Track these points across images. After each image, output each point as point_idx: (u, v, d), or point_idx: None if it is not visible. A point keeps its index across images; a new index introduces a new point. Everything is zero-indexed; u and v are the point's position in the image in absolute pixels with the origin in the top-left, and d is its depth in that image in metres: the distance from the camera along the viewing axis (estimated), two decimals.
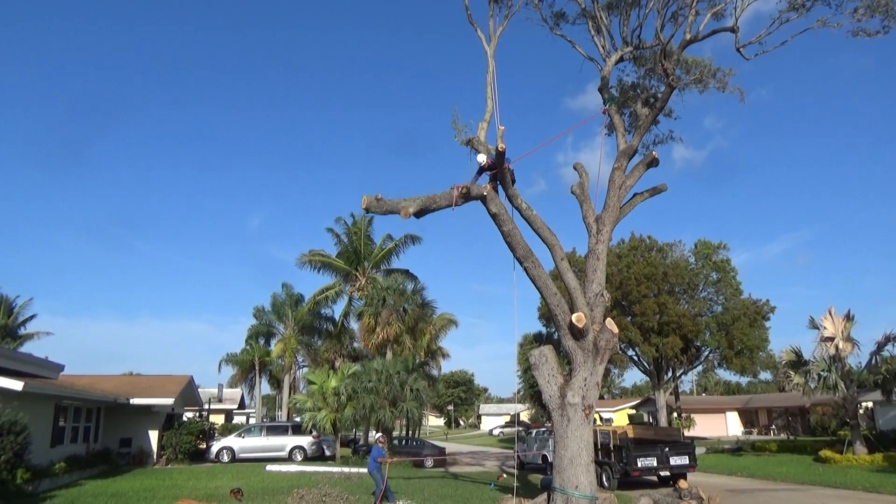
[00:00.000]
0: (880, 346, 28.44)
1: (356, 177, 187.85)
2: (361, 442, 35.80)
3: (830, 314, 28.63)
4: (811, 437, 41.32)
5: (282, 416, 46.71)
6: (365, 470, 23.64)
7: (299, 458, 29.80)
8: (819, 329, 28.86)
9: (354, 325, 40.03)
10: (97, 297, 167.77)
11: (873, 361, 28.71)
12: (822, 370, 28.11)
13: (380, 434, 18.97)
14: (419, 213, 13.56)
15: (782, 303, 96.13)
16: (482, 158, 14.27)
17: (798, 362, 29.61)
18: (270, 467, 25.11)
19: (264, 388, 53.79)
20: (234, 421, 51.47)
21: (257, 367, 47.18)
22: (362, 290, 37.71)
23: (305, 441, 30.50)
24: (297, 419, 32.33)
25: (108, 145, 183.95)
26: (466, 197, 13.83)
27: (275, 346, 45.52)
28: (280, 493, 16.69)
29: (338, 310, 41.34)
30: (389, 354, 32.46)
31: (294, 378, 48.01)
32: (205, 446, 30.33)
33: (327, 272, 39.92)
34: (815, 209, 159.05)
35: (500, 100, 15.56)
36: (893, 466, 23.63)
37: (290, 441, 30.64)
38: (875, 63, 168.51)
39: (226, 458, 29.28)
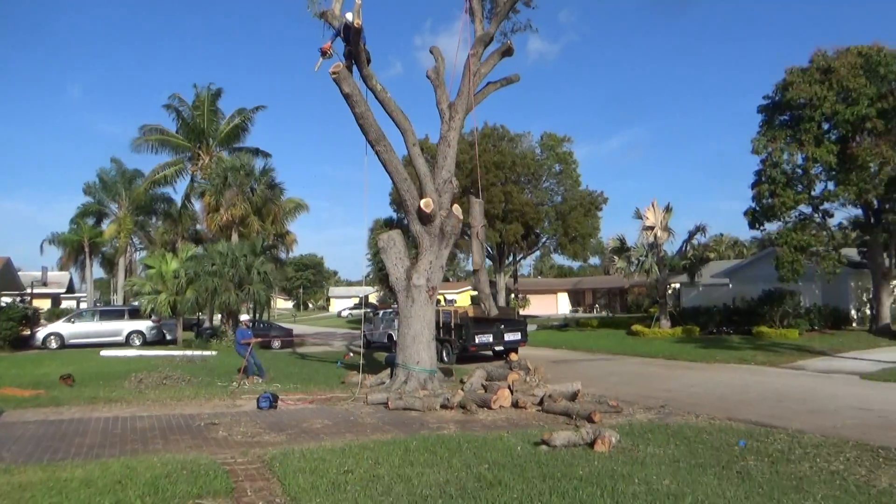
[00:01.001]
0: (691, 235, 32.15)
1: (199, 49, 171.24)
2: (206, 325, 35.09)
3: (653, 206, 31.55)
4: (627, 315, 46.53)
5: (117, 300, 44.24)
6: (208, 353, 23.47)
7: (138, 342, 28.72)
8: (642, 219, 31.81)
9: (198, 206, 37.89)
10: None
11: (684, 248, 32.45)
12: (642, 255, 31.35)
13: (245, 316, 18.88)
14: None
15: (614, 194, 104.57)
16: (357, 21, 13.45)
17: (622, 248, 32.78)
18: (105, 352, 24.01)
19: (97, 271, 50.25)
20: (63, 306, 47.96)
21: (87, 249, 43.68)
22: (206, 168, 35.49)
23: (144, 325, 29.33)
24: (135, 303, 30.83)
25: None
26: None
27: (108, 227, 42.13)
28: (116, 377, 16.10)
29: (180, 190, 38.80)
30: (235, 237, 31.38)
31: (130, 261, 45.21)
32: (29, 333, 28.24)
33: (167, 151, 36.88)
34: (647, 109, 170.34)
35: None
36: (689, 337, 27.49)
37: (126, 325, 29.29)
38: None
39: (54, 345, 27.56)
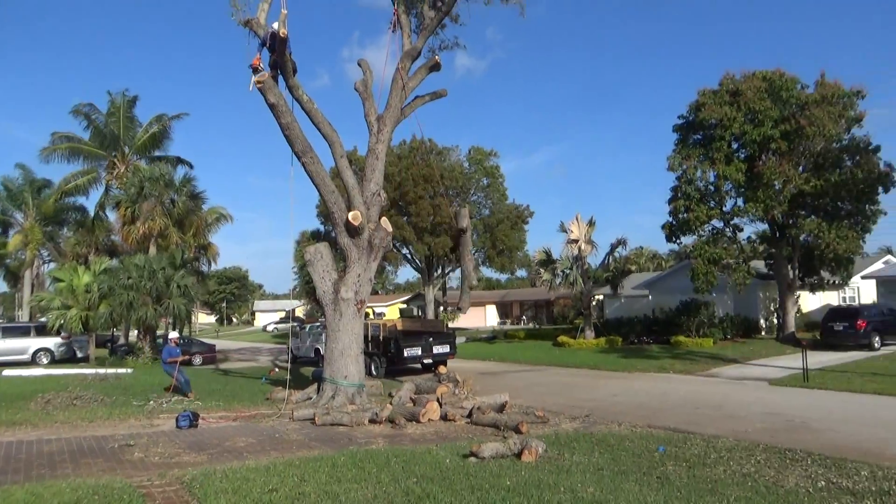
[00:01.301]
0: (613, 248, 33.20)
1: (122, 54, 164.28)
2: (121, 341, 33.43)
3: (577, 220, 32.43)
4: (553, 326, 47.50)
5: (22, 316, 41.53)
6: (123, 370, 22.38)
7: (45, 361, 27.06)
8: (567, 232, 32.64)
9: (113, 217, 36.08)
10: None
11: (606, 261, 33.49)
12: (567, 268, 32.14)
13: (174, 334, 18.14)
14: None
15: (539, 208, 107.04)
16: (283, 31, 13.27)
17: (548, 261, 33.51)
18: (8, 372, 22.48)
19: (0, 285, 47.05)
20: None
21: None
22: (121, 178, 33.90)
23: (52, 342, 27.69)
24: (42, 319, 29.03)
25: None
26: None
27: (12, 238, 39.49)
28: (20, 398, 15.08)
29: (93, 200, 36.86)
30: (153, 249, 30.10)
31: (38, 274, 42.55)
32: None
33: (78, 160, 34.94)
34: (570, 125, 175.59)
35: None
36: (612, 348, 28.33)
37: (33, 343, 27.60)
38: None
39: None
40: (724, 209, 26.60)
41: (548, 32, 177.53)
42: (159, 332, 31.83)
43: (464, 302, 16.66)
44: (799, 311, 30.12)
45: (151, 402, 14.42)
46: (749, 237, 30.79)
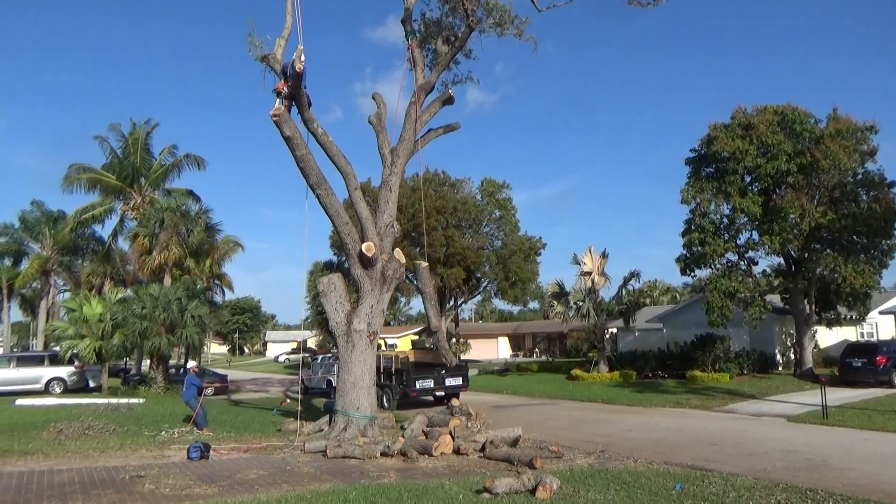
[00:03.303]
0: (626, 281, 33.01)
1: (133, 87, 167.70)
2: (133, 371, 33.47)
3: (590, 252, 32.36)
4: (566, 359, 47.03)
5: (37, 345, 41.80)
6: (136, 400, 22.38)
7: (58, 390, 27.09)
8: (580, 264, 32.55)
9: (127, 247, 36.46)
10: None
11: (620, 294, 33.26)
12: (580, 300, 31.96)
13: (193, 363, 18.07)
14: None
15: (552, 240, 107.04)
16: (299, 65, 13.50)
17: (561, 293, 33.34)
18: (21, 401, 22.53)
19: (15, 314, 47.49)
20: None
21: (5, 291, 41.30)
22: (137, 209, 34.38)
23: (65, 372, 27.74)
24: (56, 348, 29.20)
25: None
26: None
27: (26, 267, 39.97)
28: (32, 428, 15.11)
29: (107, 230, 37.32)
30: (168, 279, 30.33)
31: (53, 303, 42.92)
32: None
33: (97, 190, 35.56)
34: (583, 157, 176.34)
35: (300, 18, 14.68)
36: (626, 382, 27.98)
37: (46, 372, 27.64)
38: (641, 28, 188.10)
39: None
40: (738, 242, 26.44)
41: (557, 66, 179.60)
42: (171, 362, 31.85)
43: (450, 360, 16.80)
44: (816, 346, 29.64)
45: (163, 433, 14.37)
46: (764, 270, 30.54)
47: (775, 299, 29.90)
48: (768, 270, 30.02)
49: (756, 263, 27.74)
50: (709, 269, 26.75)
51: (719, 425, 15.30)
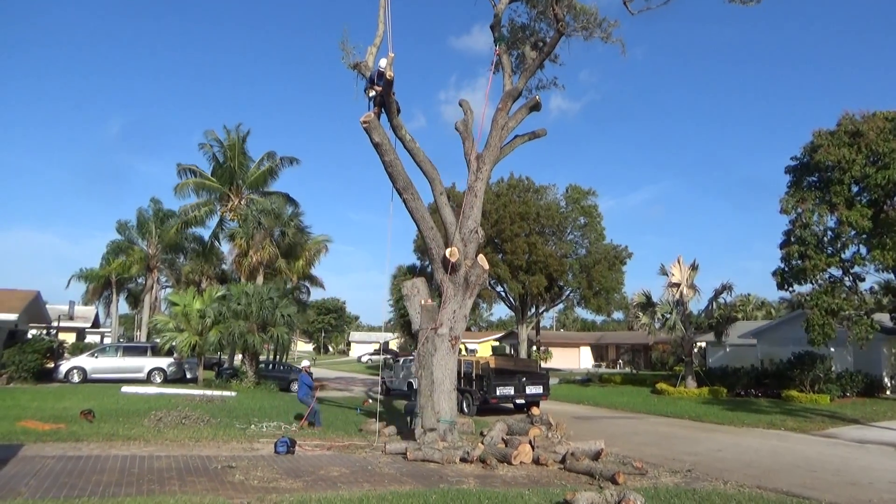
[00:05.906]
0: (717, 294, 31.64)
1: (232, 91, 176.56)
2: (226, 365, 35.10)
3: (679, 262, 31.24)
4: (651, 372, 45.61)
5: (141, 336, 44.58)
6: (228, 393, 23.44)
7: (158, 380, 28.79)
8: (668, 275, 31.47)
9: (225, 246, 38.49)
10: None
11: (710, 307, 31.92)
12: (667, 312, 30.88)
13: (306, 363, 18.86)
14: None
15: (638, 249, 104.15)
16: (389, 73, 13.86)
17: (647, 304, 32.33)
18: (126, 389, 24.08)
19: (123, 307, 50.82)
20: (88, 340, 48.41)
21: (114, 285, 44.32)
22: (235, 210, 36.17)
23: (165, 362, 29.44)
24: (157, 340, 31.04)
25: None
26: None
27: (135, 264, 42.79)
28: (136, 414, 16.11)
29: (208, 230, 39.50)
30: (261, 278, 31.66)
31: (156, 298, 45.69)
32: (53, 366, 28.48)
33: (202, 192, 37.87)
34: (672, 165, 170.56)
35: (390, 27, 15.00)
36: (716, 399, 26.77)
37: (148, 362, 29.44)
38: (736, 34, 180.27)
39: (76, 379, 27.69)
40: (843, 257, 24.75)
41: (646, 73, 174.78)
42: (261, 358, 33.17)
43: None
44: None
45: (252, 426, 14.98)
46: (871, 287, 28.50)
47: (884, 318, 27.82)
48: (876, 287, 27.99)
49: (863, 280, 25.88)
50: (809, 284, 25.20)
51: (818, 450, 14.37)
